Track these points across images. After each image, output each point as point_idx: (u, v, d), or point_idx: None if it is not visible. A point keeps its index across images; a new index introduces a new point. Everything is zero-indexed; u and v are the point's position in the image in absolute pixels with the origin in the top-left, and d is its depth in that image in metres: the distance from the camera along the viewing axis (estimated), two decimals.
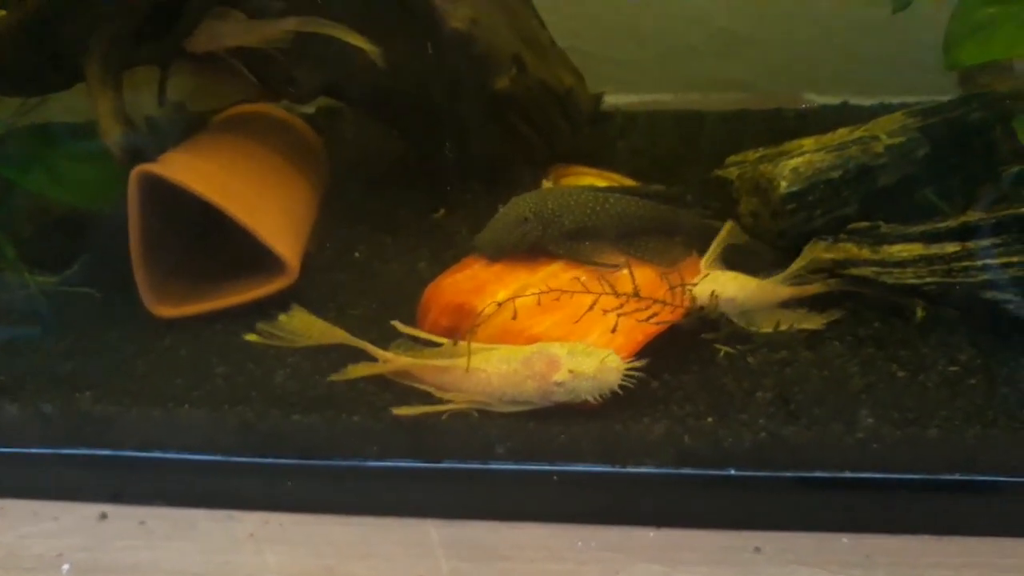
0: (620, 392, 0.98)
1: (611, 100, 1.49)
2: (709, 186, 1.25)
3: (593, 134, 1.43)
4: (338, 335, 1.08)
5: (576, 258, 1.11)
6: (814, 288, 1.13)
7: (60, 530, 1.03)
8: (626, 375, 0.98)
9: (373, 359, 1.06)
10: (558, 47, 1.38)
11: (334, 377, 1.06)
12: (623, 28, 1.48)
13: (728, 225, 1.17)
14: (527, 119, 1.33)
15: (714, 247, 1.15)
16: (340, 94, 1.37)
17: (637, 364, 0.98)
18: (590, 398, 0.98)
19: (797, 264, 1.13)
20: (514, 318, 1.04)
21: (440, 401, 1.02)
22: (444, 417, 1.01)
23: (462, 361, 1.02)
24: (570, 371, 0.97)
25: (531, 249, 1.12)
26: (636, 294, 1.04)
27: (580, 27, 1.43)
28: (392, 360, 1.06)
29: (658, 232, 1.15)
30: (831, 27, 1.39)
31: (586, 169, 1.33)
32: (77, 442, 1.06)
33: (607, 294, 1.04)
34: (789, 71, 1.33)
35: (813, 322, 1.10)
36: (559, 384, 0.98)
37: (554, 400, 1.00)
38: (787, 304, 1.13)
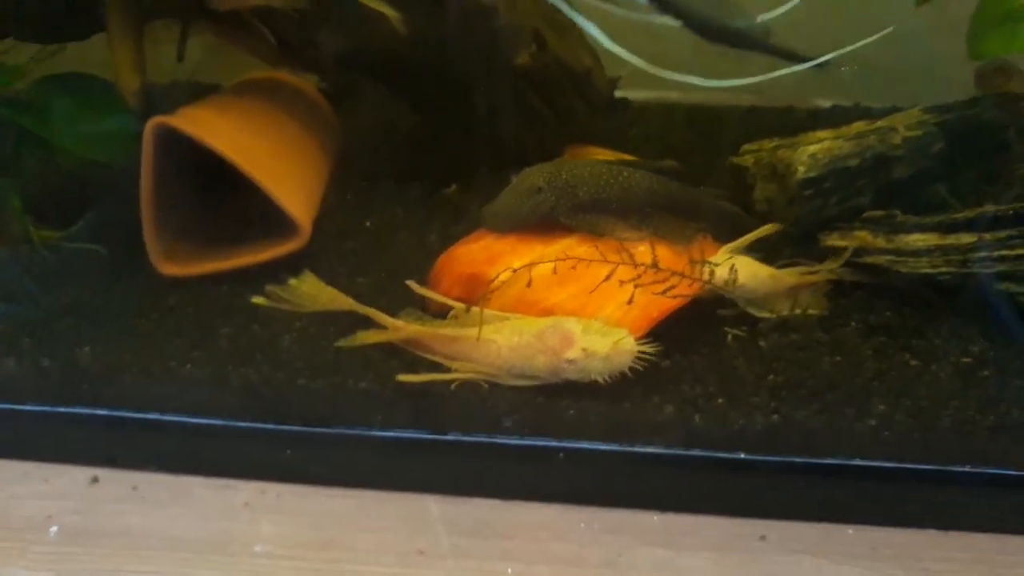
0: (630, 373, 0.92)
1: (621, 93, 1.43)
2: (723, 173, 1.21)
3: (608, 119, 1.38)
4: (347, 302, 1.03)
5: (589, 231, 1.05)
6: (826, 276, 1.08)
7: (51, 492, 0.97)
8: (638, 357, 0.92)
9: (382, 327, 1.00)
10: (578, 27, 1.33)
11: (342, 343, 1.00)
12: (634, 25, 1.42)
13: (771, 226, 1.10)
14: (544, 97, 1.28)
15: (746, 239, 1.08)
16: (358, 63, 1.31)
17: (650, 348, 0.92)
18: (600, 378, 0.92)
19: (829, 264, 1.07)
20: (529, 286, 0.98)
21: (448, 371, 0.96)
22: (452, 387, 0.95)
23: (473, 331, 0.96)
24: (583, 349, 0.92)
25: (544, 222, 1.05)
26: (655, 265, 0.97)
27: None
28: (401, 328, 1.00)
29: (672, 209, 1.09)
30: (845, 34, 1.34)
31: (601, 150, 1.27)
32: (73, 401, 0.99)
33: (625, 264, 0.98)
34: (799, 76, 1.28)
35: (821, 306, 1.06)
36: (571, 362, 0.92)
37: (563, 377, 0.94)
38: (796, 291, 1.07)
